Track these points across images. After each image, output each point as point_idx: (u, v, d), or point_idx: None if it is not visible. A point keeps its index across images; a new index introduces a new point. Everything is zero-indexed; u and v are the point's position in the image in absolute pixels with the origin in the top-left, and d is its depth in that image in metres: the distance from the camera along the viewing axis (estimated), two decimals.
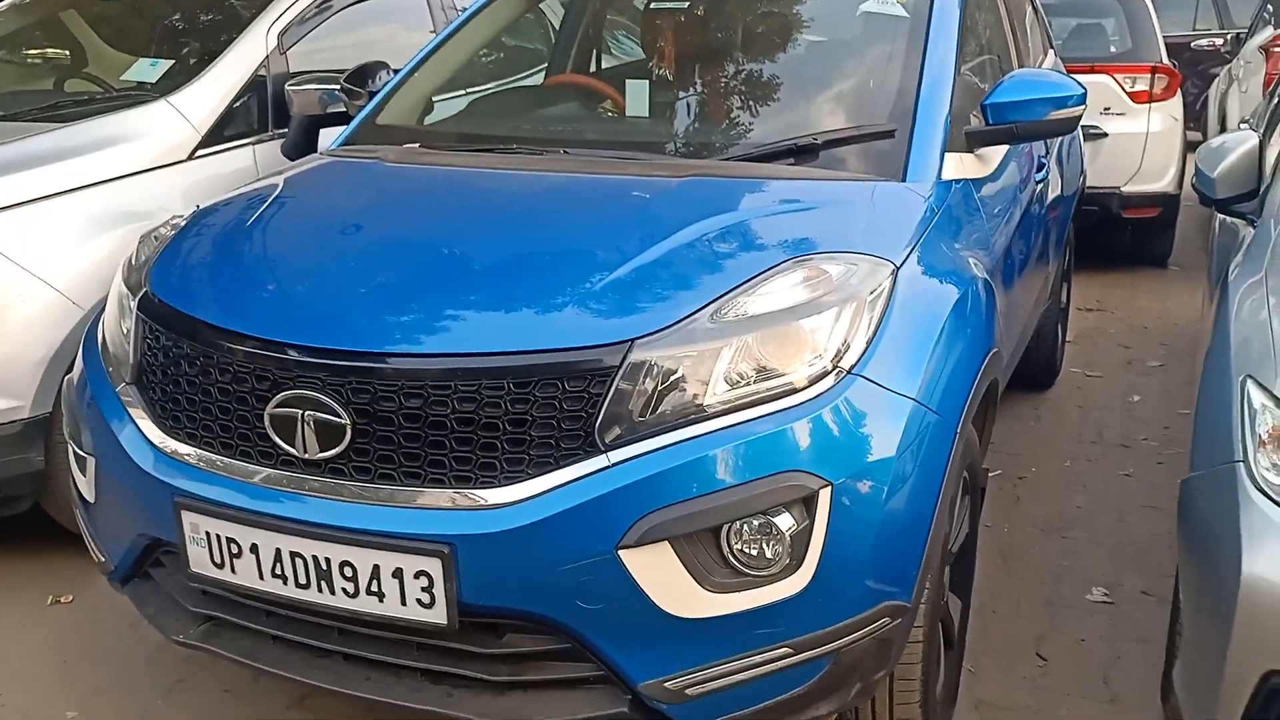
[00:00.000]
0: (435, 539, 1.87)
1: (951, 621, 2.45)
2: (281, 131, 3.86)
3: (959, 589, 2.51)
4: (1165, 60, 6.27)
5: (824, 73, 2.98)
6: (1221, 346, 2.27)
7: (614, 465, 1.86)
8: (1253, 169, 2.97)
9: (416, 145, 2.80)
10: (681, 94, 3.12)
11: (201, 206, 2.59)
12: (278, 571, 2.00)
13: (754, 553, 1.89)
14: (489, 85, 3.45)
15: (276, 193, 2.59)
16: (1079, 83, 2.80)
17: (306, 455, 1.97)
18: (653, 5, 3.39)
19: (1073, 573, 3.22)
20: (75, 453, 2.37)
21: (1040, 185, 3.46)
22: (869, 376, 1.97)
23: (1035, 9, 4.45)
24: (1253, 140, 3.03)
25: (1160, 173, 6.15)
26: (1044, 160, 3.46)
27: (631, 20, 3.66)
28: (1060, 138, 4.16)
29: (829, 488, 1.88)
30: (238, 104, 3.78)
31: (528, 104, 3.24)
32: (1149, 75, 6.14)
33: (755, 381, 1.93)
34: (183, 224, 2.50)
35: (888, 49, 2.90)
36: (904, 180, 2.48)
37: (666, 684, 1.89)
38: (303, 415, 1.96)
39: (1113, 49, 6.56)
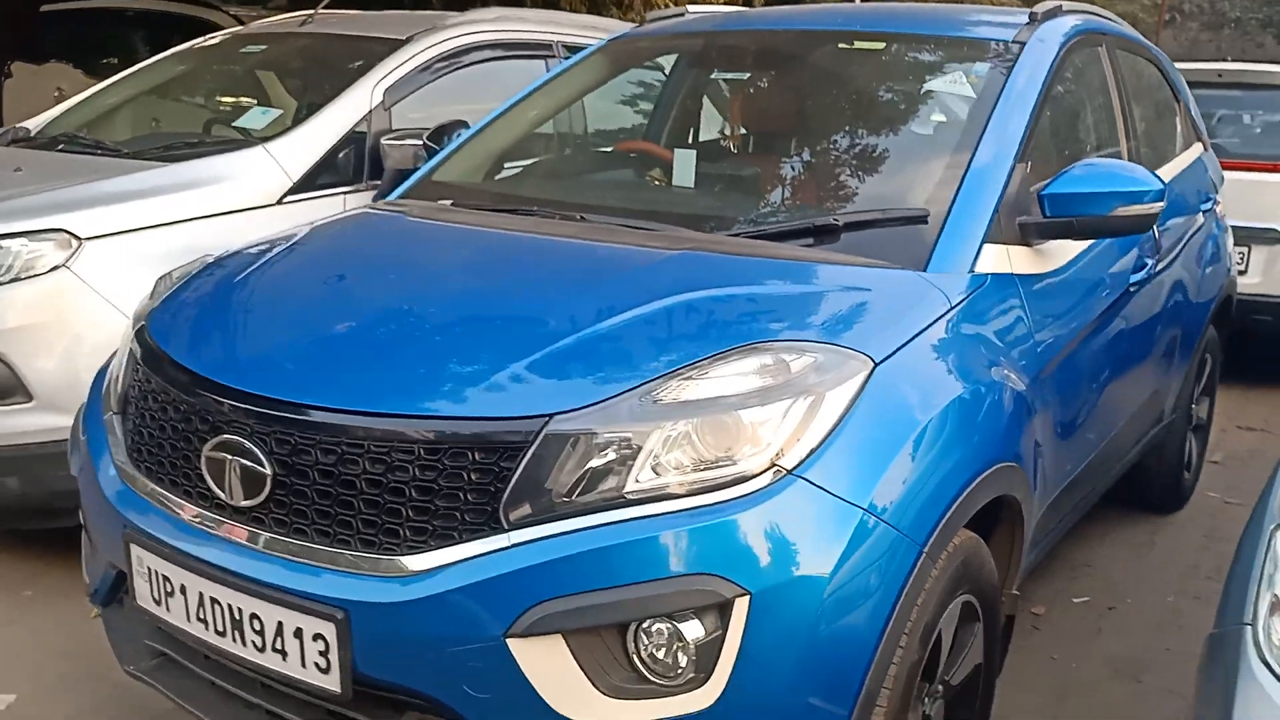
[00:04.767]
0: (331, 602, 1.80)
1: None
2: (376, 182, 3.97)
3: None
4: None
5: (874, 152, 2.80)
6: (1272, 485, 1.95)
7: (513, 546, 1.74)
8: None
9: (448, 202, 2.79)
10: (727, 167, 3.00)
11: (218, 254, 2.65)
12: (201, 615, 1.98)
13: (661, 657, 1.73)
14: (554, 149, 3.41)
15: (291, 242, 2.62)
16: (1159, 178, 2.52)
17: (232, 501, 1.95)
18: (716, 76, 3.29)
19: None
20: (72, 475, 2.44)
21: (1142, 287, 3.13)
22: (812, 479, 1.79)
23: (1176, 96, 4.08)
24: None
25: None
26: (1146, 260, 3.13)
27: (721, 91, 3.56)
28: (1195, 233, 3.79)
29: (746, 597, 1.71)
30: (334, 155, 3.92)
31: (580, 168, 3.19)
32: None
33: (687, 471, 1.78)
34: (195, 268, 2.56)
35: (946, 130, 2.70)
36: (925, 270, 2.28)
37: None
38: (230, 460, 1.94)
39: None
